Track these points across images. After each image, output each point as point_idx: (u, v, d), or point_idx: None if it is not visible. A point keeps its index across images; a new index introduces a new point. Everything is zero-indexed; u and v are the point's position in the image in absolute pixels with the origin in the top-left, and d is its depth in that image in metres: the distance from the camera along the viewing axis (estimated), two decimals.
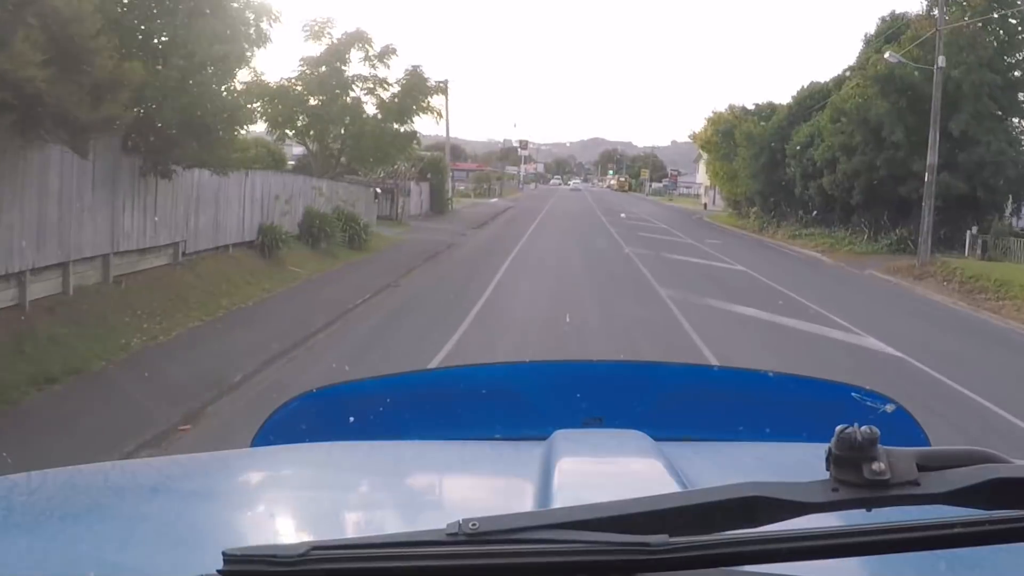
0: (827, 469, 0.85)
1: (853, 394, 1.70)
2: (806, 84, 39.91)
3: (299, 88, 24.80)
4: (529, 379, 2.00)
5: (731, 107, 49.05)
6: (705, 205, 70.64)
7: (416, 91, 26.28)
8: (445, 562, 0.80)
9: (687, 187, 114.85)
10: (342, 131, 25.63)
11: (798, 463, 1.33)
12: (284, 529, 1.20)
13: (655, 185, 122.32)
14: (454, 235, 29.37)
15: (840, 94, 31.81)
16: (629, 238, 30.85)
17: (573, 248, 26.58)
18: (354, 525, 1.24)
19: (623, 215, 47.44)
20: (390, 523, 1.25)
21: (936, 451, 0.89)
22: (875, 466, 0.83)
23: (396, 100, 25.92)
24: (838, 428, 0.85)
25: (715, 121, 48.58)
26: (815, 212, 36.18)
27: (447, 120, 43.67)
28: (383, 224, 29.41)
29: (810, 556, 0.82)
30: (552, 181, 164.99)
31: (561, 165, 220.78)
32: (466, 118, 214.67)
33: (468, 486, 1.53)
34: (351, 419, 1.72)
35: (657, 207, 69.26)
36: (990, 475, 0.83)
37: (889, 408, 1.63)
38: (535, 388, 1.89)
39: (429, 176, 39.15)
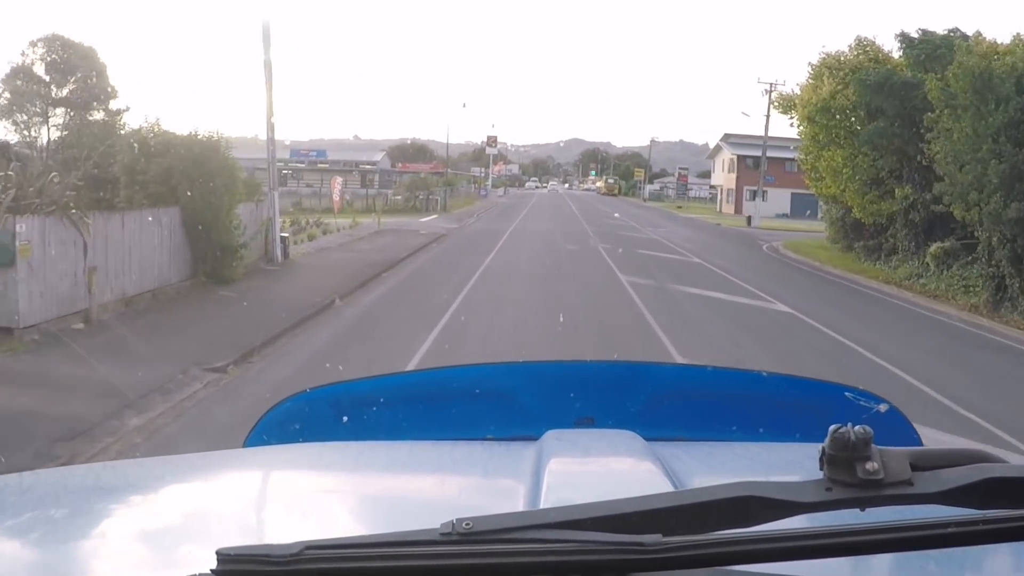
0: (821, 469, 0.84)
1: (846, 393, 1.66)
2: None
3: None
4: (521, 379, 1.92)
5: (859, 42, 25.32)
6: (749, 219, 47.05)
7: None
8: (439, 562, 0.80)
9: (690, 189, 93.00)
10: None
11: (791, 463, 1.44)
12: (277, 529, 1.19)
13: (650, 188, 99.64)
14: None
15: None
16: None
17: None
18: (347, 525, 1.24)
19: (646, 252, 23.95)
20: (383, 523, 1.20)
21: (930, 451, 0.88)
22: (869, 466, 0.82)
23: None
24: (832, 428, 0.84)
25: (832, 67, 24.82)
26: None
27: (268, 68, 19.64)
28: None
29: (804, 556, 0.81)
30: (528, 184, 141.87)
31: (539, 166, 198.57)
32: (441, 119, 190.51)
33: (460, 486, 1.49)
34: (344, 419, 1.70)
35: (678, 224, 45.67)
36: (984, 475, 0.82)
37: (882, 408, 1.59)
38: (527, 388, 1.84)
39: (190, 193, 15.16)
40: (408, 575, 0.81)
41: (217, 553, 0.79)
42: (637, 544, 0.79)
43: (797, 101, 26.65)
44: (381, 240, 27.17)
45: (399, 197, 49.52)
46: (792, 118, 27.93)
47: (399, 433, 1.65)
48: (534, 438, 1.46)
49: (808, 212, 61.49)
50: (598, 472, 1.43)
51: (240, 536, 1.02)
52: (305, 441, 1.65)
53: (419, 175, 55.54)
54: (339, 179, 34.97)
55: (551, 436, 1.46)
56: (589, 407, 1.71)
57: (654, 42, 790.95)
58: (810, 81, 26.03)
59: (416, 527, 0.83)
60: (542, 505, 1.09)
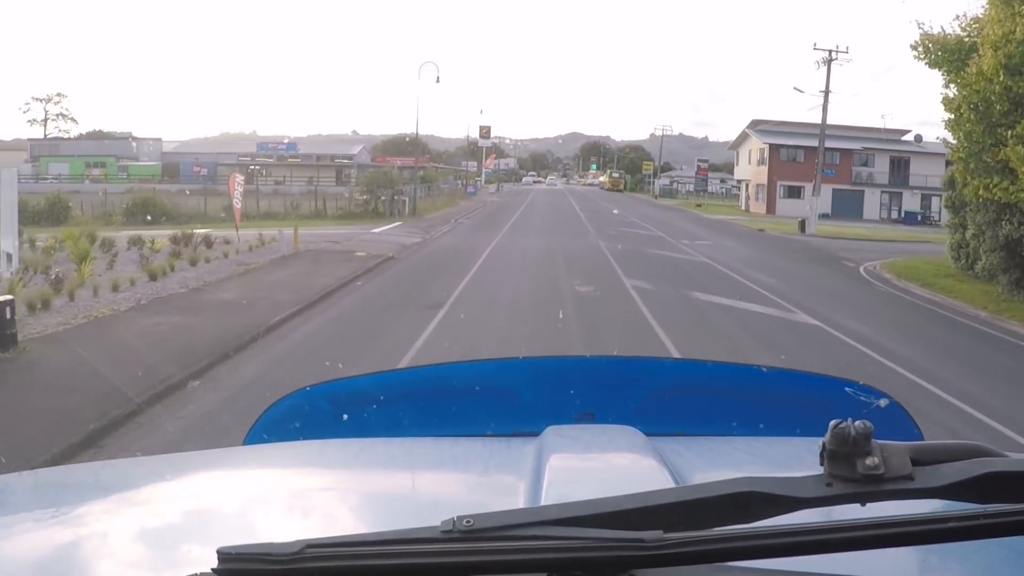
0: (821, 464, 0.84)
1: (847, 388, 1.66)
2: None
3: None
4: (521, 375, 1.93)
5: None
6: (803, 224, 36.84)
7: None
8: (440, 559, 0.80)
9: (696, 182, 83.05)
10: None
11: (792, 458, 1.44)
12: (278, 527, 1.18)
13: (659, 183, 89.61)
14: None
15: None
16: None
17: None
18: (348, 523, 1.24)
19: (709, 299, 13.94)
20: (384, 520, 1.21)
21: (930, 445, 0.87)
22: (869, 461, 0.82)
23: None
24: (832, 423, 0.84)
25: None
26: None
27: None
28: None
29: (805, 551, 0.81)
30: (525, 179, 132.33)
31: (537, 160, 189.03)
32: (440, 114, 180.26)
33: (461, 483, 1.48)
34: (344, 417, 1.70)
35: (713, 231, 35.77)
36: (984, 469, 0.82)
37: (882, 403, 1.59)
38: (527, 384, 1.85)
39: None
40: (409, 573, 0.81)
41: (218, 552, 0.79)
42: (638, 540, 0.79)
43: (980, 40, 16.15)
44: (278, 274, 16.88)
45: (365, 197, 39.24)
46: (947, 76, 17.63)
47: (399, 430, 1.64)
48: (535, 434, 1.46)
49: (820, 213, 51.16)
50: (599, 468, 1.42)
51: (241, 535, 0.99)
52: (305, 439, 1.64)
53: (380, 168, 45.06)
54: (239, 178, 24.07)
55: (551, 432, 1.46)
56: (589, 403, 1.71)
57: (651, 38, 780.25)
58: (989, 12, 15.66)
59: (417, 524, 0.83)
60: (543, 501, 1.09)
